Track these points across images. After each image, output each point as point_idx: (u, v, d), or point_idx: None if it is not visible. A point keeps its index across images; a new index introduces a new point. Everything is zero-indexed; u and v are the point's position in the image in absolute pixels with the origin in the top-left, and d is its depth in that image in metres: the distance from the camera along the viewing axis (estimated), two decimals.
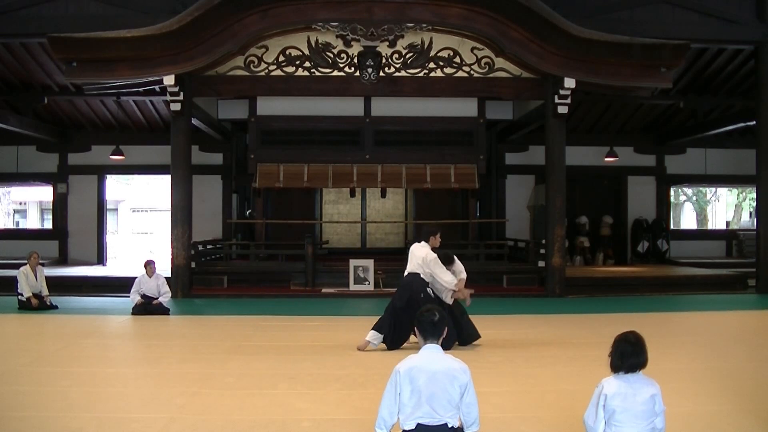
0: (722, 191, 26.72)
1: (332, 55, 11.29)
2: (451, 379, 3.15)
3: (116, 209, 29.94)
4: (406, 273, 6.69)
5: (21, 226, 27.10)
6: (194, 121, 11.86)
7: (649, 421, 3.10)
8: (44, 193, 22.18)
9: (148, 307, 8.87)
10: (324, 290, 11.39)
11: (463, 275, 6.77)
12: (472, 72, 11.47)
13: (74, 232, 15.86)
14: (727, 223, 24.11)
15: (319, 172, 12.63)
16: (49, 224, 19.71)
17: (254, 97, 12.77)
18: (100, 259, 15.84)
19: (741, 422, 4.20)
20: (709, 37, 11.96)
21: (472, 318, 6.44)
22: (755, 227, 12.84)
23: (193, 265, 11.32)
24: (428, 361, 3.19)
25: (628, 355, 3.14)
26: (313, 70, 11.35)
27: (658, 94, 13.92)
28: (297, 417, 4.32)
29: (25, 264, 9.39)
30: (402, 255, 14.97)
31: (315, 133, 12.93)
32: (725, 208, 28.05)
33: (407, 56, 11.35)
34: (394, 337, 6.50)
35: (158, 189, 28.34)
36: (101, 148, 15.40)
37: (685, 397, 4.74)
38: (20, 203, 28.96)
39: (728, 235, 17.87)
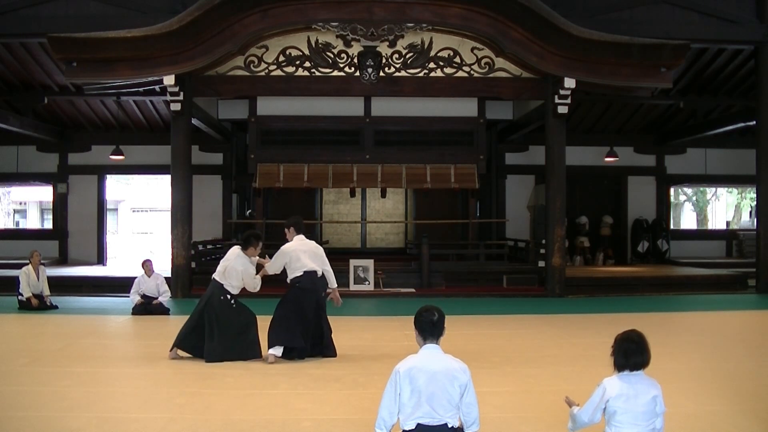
0: (722, 191, 26.70)
1: (332, 55, 11.28)
2: (451, 378, 3.15)
3: (116, 209, 29.92)
4: (302, 273, 6.47)
5: (21, 226, 27.07)
6: (194, 121, 11.86)
7: (649, 421, 3.09)
8: (44, 193, 22.16)
9: (148, 307, 8.87)
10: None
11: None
12: (472, 72, 11.46)
13: (74, 232, 15.86)
14: (727, 223, 24.08)
15: (319, 172, 12.63)
16: (49, 224, 19.71)
17: (254, 97, 12.77)
18: (100, 259, 15.84)
19: (741, 422, 4.19)
20: (709, 37, 11.96)
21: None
22: (755, 227, 12.83)
23: (193, 265, 11.31)
24: (428, 361, 3.19)
25: (632, 353, 3.12)
26: (313, 70, 11.34)
27: (658, 94, 13.92)
28: (297, 417, 4.31)
29: (27, 264, 9.40)
30: (402, 255, 15.11)
31: (315, 133, 12.93)
32: (725, 208, 28.03)
33: (407, 56, 11.35)
34: (314, 342, 6.23)
35: (158, 189, 28.33)
36: (101, 148, 15.40)
37: (685, 397, 4.74)
38: (20, 203, 28.93)
39: (728, 235, 17.86)
